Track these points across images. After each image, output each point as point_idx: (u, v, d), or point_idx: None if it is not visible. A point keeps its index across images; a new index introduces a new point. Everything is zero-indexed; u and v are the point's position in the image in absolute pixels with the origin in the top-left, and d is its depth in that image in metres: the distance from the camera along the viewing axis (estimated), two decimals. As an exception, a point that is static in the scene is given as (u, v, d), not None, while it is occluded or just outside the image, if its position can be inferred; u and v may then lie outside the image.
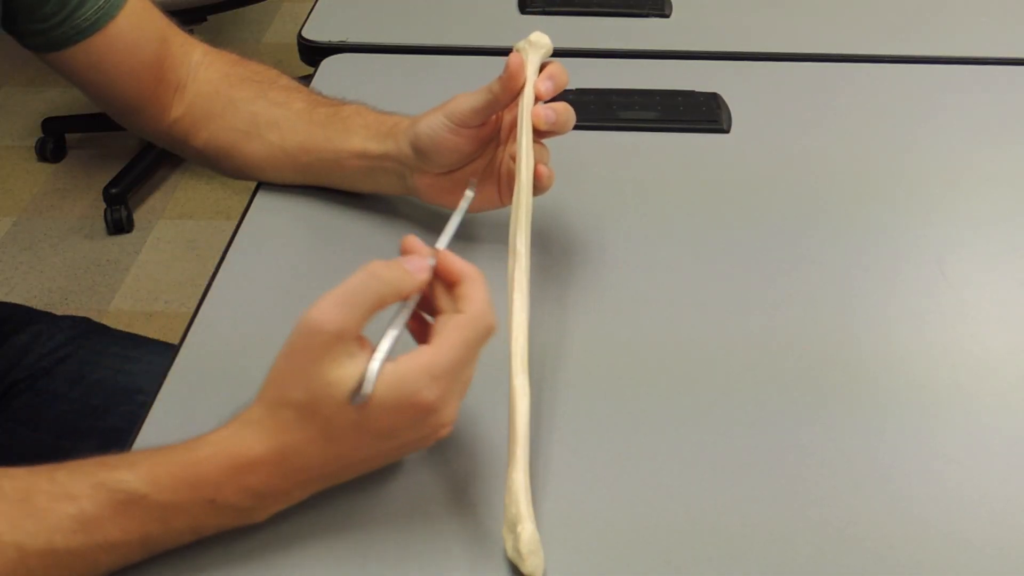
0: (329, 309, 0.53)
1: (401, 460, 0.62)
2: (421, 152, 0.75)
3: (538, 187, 0.70)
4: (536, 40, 0.73)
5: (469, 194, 0.70)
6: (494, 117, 0.73)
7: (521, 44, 0.73)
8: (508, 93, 0.70)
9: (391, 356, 0.54)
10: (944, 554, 0.58)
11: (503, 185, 0.75)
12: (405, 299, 0.57)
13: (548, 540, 0.57)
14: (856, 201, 0.85)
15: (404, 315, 0.57)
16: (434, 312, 0.58)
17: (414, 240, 0.59)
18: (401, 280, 0.55)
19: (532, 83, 0.71)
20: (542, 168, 0.70)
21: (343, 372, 0.53)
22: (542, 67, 0.73)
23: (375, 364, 0.53)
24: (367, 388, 0.52)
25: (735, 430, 0.65)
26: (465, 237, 0.78)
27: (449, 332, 0.55)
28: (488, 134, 0.74)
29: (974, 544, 0.59)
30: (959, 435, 0.65)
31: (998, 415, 0.67)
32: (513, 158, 0.71)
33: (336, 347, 0.52)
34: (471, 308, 0.56)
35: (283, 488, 0.56)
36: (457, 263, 0.58)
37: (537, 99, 0.70)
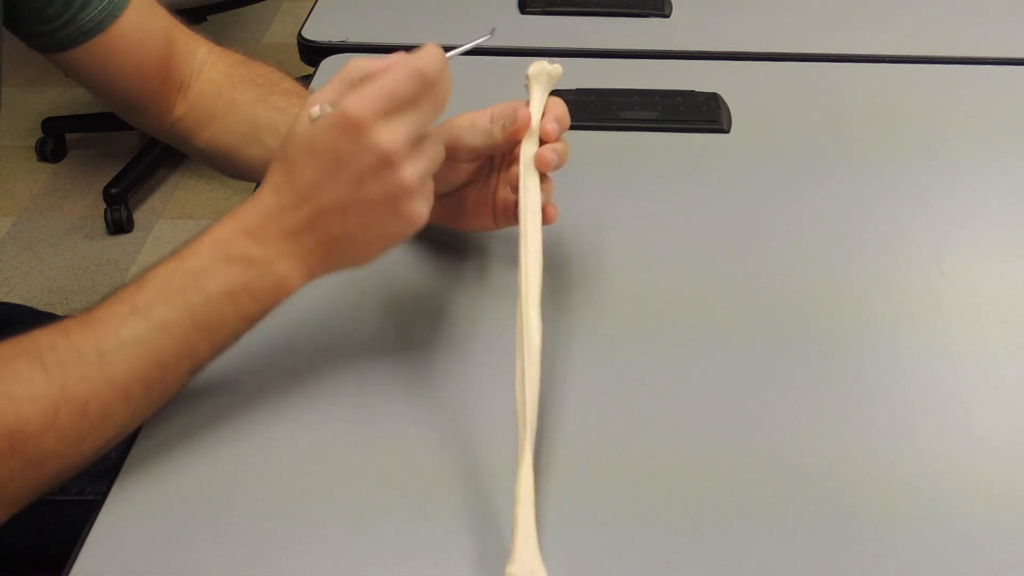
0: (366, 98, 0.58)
1: (404, 451, 0.63)
2: None
3: (544, 224, 0.69)
4: (552, 72, 0.72)
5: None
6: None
7: (535, 71, 0.72)
8: (510, 142, 0.70)
9: None
10: (943, 551, 0.58)
11: (498, 210, 0.74)
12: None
13: (548, 533, 0.57)
14: (855, 200, 0.85)
15: None
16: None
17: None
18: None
19: (537, 120, 0.70)
20: (551, 209, 0.70)
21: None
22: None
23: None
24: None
25: (736, 432, 0.65)
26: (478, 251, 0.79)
27: (388, 63, 0.59)
28: (480, 163, 0.73)
29: (975, 540, 0.59)
30: (956, 437, 0.65)
31: (995, 413, 0.67)
32: (512, 187, 0.70)
33: None
34: (419, 50, 0.60)
35: (282, 230, 0.61)
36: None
37: (542, 140, 0.70)
